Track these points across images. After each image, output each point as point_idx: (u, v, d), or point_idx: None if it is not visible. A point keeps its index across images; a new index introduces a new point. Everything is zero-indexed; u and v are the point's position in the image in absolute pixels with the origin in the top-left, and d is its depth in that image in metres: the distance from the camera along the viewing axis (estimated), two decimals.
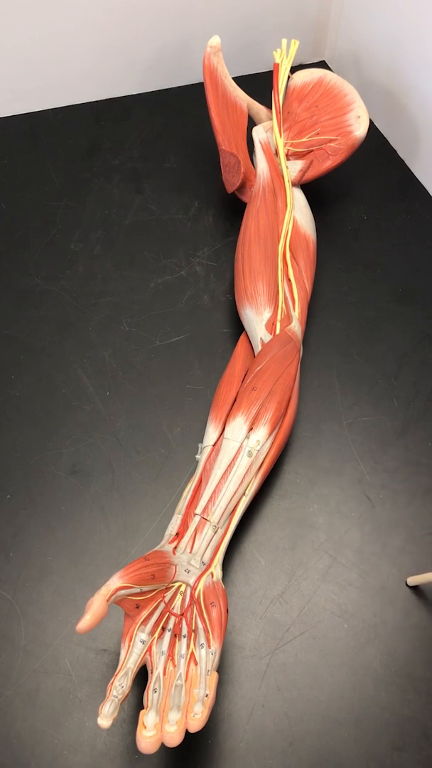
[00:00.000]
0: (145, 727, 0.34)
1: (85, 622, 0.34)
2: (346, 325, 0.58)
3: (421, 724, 0.40)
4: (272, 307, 0.53)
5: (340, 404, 0.53)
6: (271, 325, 0.52)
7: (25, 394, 0.54)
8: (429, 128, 0.66)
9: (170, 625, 0.39)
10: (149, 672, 0.37)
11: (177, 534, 0.43)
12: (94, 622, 0.34)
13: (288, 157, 0.62)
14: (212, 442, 0.47)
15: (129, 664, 0.37)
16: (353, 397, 0.54)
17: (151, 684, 0.36)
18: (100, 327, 0.58)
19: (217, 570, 0.41)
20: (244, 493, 0.44)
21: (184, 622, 0.39)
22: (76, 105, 0.77)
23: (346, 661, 0.42)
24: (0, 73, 0.72)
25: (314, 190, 0.65)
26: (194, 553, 0.42)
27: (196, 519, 0.43)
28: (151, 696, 0.36)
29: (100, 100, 0.78)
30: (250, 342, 0.53)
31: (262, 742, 0.39)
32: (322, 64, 0.82)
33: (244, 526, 0.47)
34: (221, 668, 0.42)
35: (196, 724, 0.33)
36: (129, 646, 0.37)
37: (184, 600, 0.40)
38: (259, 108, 0.66)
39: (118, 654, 0.40)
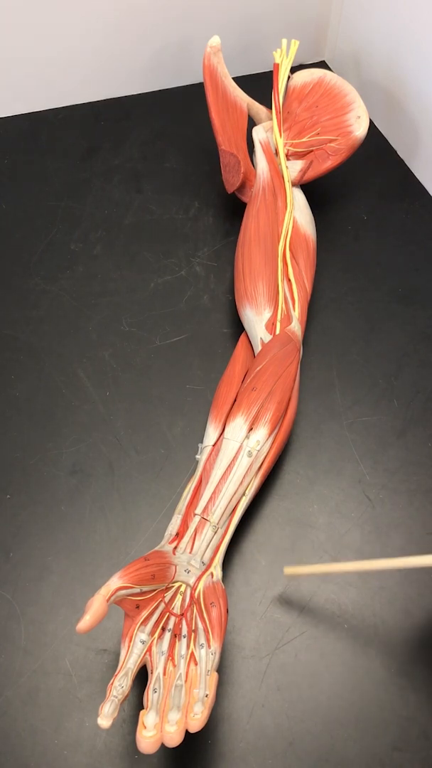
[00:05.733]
0: (145, 727, 0.34)
1: (85, 622, 0.34)
2: (346, 325, 0.58)
3: (421, 724, 0.40)
4: (272, 307, 0.53)
5: (340, 404, 0.53)
6: (271, 325, 0.52)
7: (25, 394, 0.54)
8: (429, 128, 0.66)
9: (170, 625, 0.39)
10: (149, 672, 0.37)
11: (177, 534, 0.43)
12: (94, 622, 0.34)
13: (288, 157, 0.62)
14: (212, 442, 0.47)
15: (129, 664, 0.37)
16: (353, 397, 0.54)
17: (151, 684, 0.36)
18: (100, 327, 0.58)
19: (217, 570, 0.41)
20: (244, 494, 0.44)
21: (184, 622, 0.39)
22: (76, 105, 0.77)
23: (346, 661, 0.42)
24: (0, 73, 0.72)
25: (314, 190, 0.65)
26: (194, 553, 0.42)
27: (196, 519, 0.43)
28: (151, 696, 0.36)
29: (100, 100, 0.78)
30: (250, 342, 0.53)
31: (262, 742, 0.39)
32: (322, 64, 0.82)
33: (244, 526, 0.47)
34: (221, 668, 0.42)
35: (196, 724, 0.33)
36: (129, 646, 0.37)
37: (184, 600, 0.40)
38: (259, 108, 0.66)
39: (118, 654, 0.40)
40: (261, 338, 0.51)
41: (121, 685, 0.35)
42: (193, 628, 0.38)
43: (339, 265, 0.62)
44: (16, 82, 0.73)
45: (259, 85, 0.70)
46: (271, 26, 0.77)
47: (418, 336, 0.57)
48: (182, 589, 0.41)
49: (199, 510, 0.43)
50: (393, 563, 0.39)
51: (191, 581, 0.41)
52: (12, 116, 0.76)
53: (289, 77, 0.65)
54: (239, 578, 0.45)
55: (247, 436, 0.45)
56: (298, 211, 0.59)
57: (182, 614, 0.39)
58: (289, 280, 0.55)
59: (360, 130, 0.61)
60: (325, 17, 0.78)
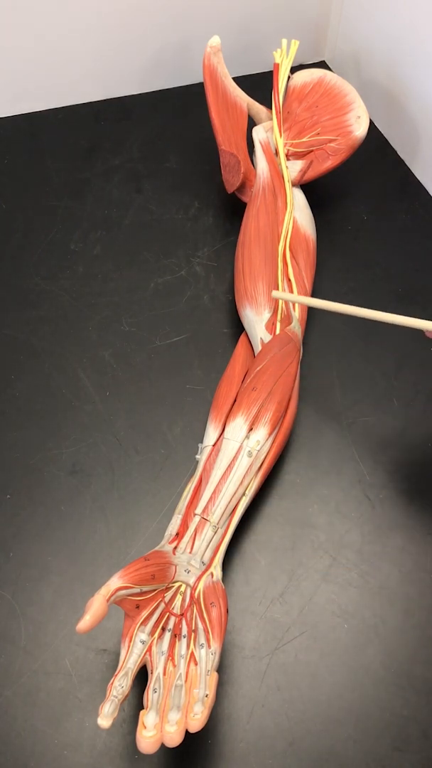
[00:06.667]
0: (145, 727, 0.34)
1: (85, 622, 0.34)
2: (346, 325, 0.58)
3: (421, 724, 0.40)
4: (272, 307, 0.53)
5: (340, 404, 0.53)
6: (271, 325, 0.52)
7: (25, 394, 0.54)
8: (429, 128, 0.66)
9: (170, 625, 0.39)
10: (149, 672, 0.37)
11: (177, 534, 0.43)
12: (94, 622, 0.34)
13: (288, 157, 0.62)
14: (212, 442, 0.47)
15: (129, 664, 0.37)
16: (353, 397, 0.54)
17: (151, 684, 0.36)
18: (100, 327, 0.58)
19: (217, 570, 0.41)
20: (244, 494, 0.44)
21: (184, 622, 0.39)
22: (76, 105, 0.77)
23: (346, 661, 0.42)
24: (0, 73, 0.72)
25: (314, 190, 0.65)
26: (194, 553, 0.42)
27: (196, 519, 0.43)
28: (151, 696, 0.36)
29: (100, 100, 0.78)
30: (250, 342, 0.53)
31: (262, 742, 0.39)
32: (322, 64, 0.82)
33: (244, 526, 0.47)
34: (221, 668, 0.42)
35: (196, 724, 0.33)
36: (129, 646, 0.37)
37: (184, 600, 0.40)
38: (259, 108, 0.66)
39: (118, 654, 0.40)
40: (261, 338, 0.51)
41: (121, 685, 0.35)
42: (193, 628, 0.38)
43: (339, 265, 0.62)
44: (16, 82, 0.73)
45: (259, 85, 0.70)
46: (271, 26, 0.77)
47: (418, 336, 0.57)
48: (182, 589, 0.41)
49: (199, 510, 0.43)
50: (381, 316, 0.42)
51: (191, 581, 0.41)
52: (12, 116, 0.76)
53: (289, 77, 0.65)
54: (239, 578, 0.45)
55: (247, 436, 0.45)
56: (298, 211, 0.59)
57: (182, 614, 0.39)
58: (289, 280, 0.55)
59: (360, 130, 0.61)
60: (325, 17, 0.78)
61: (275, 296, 0.50)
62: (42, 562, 0.46)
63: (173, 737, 0.34)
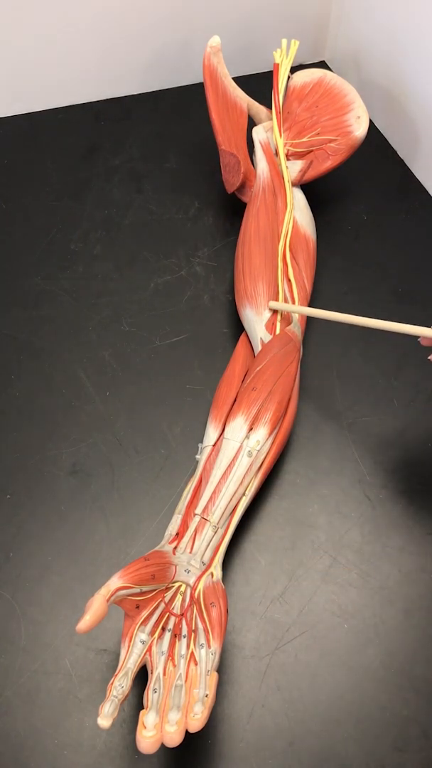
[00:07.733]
0: (145, 728, 0.34)
1: (85, 622, 0.34)
2: (346, 325, 0.58)
3: (421, 724, 0.40)
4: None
5: (340, 404, 0.53)
6: (271, 325, 0.52)
7: (25, 394, 0.54)
8: (429, 128, 0.66)
9: (170, 625, 0.39)
10: (149, 672, 0.37)
11: (177, 534, 0.43)
12: (94, 622, 0.34)
13: (288, 157, 0.62)
14: (212, 442, 0.47)
15: (129, 664, 0.37)
16: (353, 397, 0.54)
17: (151, 684, 0.36)
18: (100, 327, 0.58)
19: (217, 570, 0.41)
20: (244, 493, 0.44)
21: (184, 622, 0.39)
22: (76, 105, 0.77)
23: (346, 662, 0.42)
24: (0, 73, 0.72)
25: (314, 190, 0.65)
26: (194, 553, 0.42)
27: (196, 519, 0.43)
28: (151, 696, 0.36)
29: (100, 100, 0.78)
30: (250, 342, 0.53)
31: (262, 742, 0.39)
32: (322, 64, 0.82)
33: (244, 526, 0.47)
34: (221, 668, 0.42)
35: (196, 724, 0.33)
36: (129, 646, 0.37)
37: (184, 600, 0.40)
38: (259, 108, 0.66)
39: (118, 654, 0.40)
40: (261, 338, 0.51)
41: (121, 685, 0.35)
42: (193, 628, 0.38)
43: (339, 265, 0.62)
44: (16, 82, 0.73)
45: (259, 85, 0.70)
46: (271, 26, 0.77)
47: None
48: (182, 589, 0.41)
49: (199, 510, 0.43)
50: (377, 324, 0.43)
51: (191, 581, 0.41)
52: (12, 116, 0.76)
53: (289, 77, 0.65)
54: (239, 578, 0.45)
55: (247, 436, 0.45)
56: (298, 211, 0.59)
57: (182, 614, 0.39)
58: (289, 280, 0.55)
59: (360, 130, 0.61)
60: (325, 17, 0.78)
61: (272, 307, 0.51)
62: (42, 562, 0.46)
63: (173, 737, 0.34)
